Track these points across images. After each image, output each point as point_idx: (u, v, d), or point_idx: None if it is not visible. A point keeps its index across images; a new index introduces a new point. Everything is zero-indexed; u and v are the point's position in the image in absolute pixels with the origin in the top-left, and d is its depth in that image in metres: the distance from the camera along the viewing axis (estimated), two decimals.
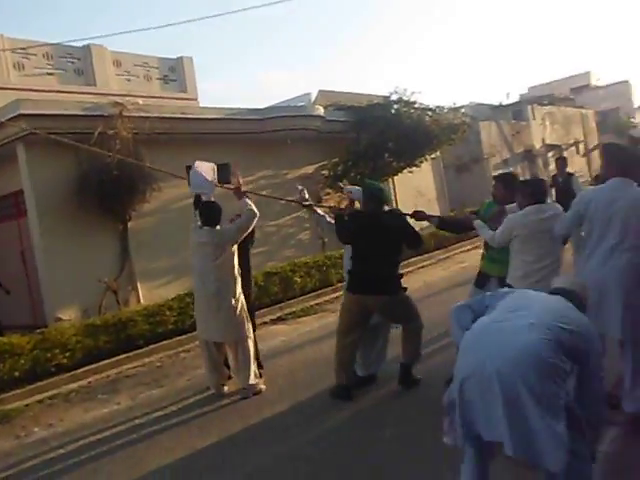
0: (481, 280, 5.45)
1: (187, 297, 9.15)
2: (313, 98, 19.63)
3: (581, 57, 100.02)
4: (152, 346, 8.27)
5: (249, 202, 5.96)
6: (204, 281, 5.74)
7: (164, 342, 8.39)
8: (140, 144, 10.16)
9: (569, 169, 9.98)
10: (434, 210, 18.27)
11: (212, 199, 6.04)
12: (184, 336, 8.63)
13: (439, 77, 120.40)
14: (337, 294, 11.01)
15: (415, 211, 5.72)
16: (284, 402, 5.50)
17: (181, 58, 17.03)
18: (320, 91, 19.00)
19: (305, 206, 6.53)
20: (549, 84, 46.73)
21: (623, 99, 46.91)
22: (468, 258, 13.44)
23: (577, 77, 49.18)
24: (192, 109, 12.53)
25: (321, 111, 14.32)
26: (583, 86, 48.10)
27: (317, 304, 10.31)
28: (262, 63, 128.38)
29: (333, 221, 5.73)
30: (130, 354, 8.01)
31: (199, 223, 5.89)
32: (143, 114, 10.27)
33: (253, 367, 5.88)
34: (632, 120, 45.80)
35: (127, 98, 10.58)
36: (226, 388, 6.01)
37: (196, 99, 17.18)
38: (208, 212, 5.87)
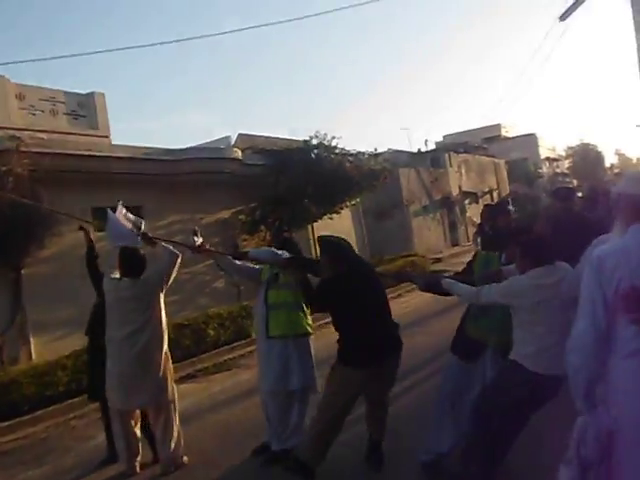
0: (470, 349, 4.31)
1: (84, 354, 8.22)
2: (233, 141, 19.16)
3: (491, 109, 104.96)
4: (39, 412, 7.27)
5: (164, 244, 5.26)
6: (127, 343, 4.86)
7: (53, 407, 7.40)
8: (39, 183, 9.25)
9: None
10: None
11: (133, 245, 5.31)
12: (77, 399, 7.68)
13: (357, 123, 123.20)
14: (252, 347, 10.31)
15: (399, 272, 5.26)
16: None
17: (92, 93, 16.09)
18: (240, 134, 18.55)
19: (197, 251, 5.25)
20: (463, 133, 48.47)
21: (530, 150, 49.20)
22: (410, 299, 13.12)
23: (488, 128, 51.28)
24: (101, 147, 11.70)
25: (239, 154, 13.83)
26: (494, 136, 50.22)
27: (230, 359, 9.56)
28: (180, 104, 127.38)
29: (238, 262, 5.15)
30: (11, 422, 6.98)
31: (116, 275, 5.11)
32: (45, 150, 9.39)
33: (176, 434, 5.10)
34: (539, 170, 48.02)
35: (27, 132, 9.67)
36: (138, 465, 5.14)
37: (108, 137, 16.24)
38: (130, 261, 5.08)
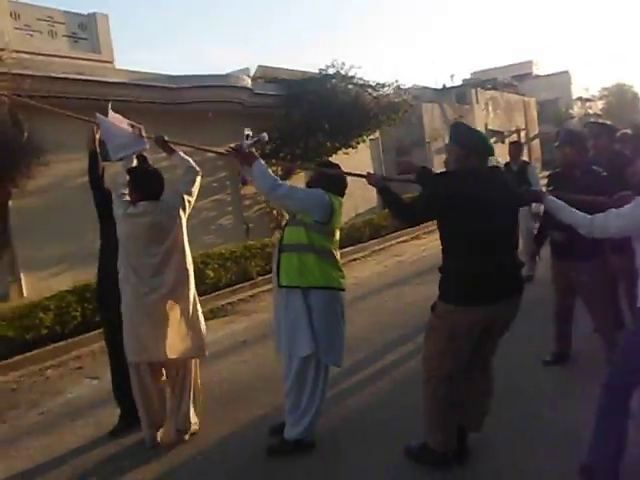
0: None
1: (70, 295, 7.61)
2: (252, 74, 18.06)
3: (524, 46, 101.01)
4: (15, 358, 6.69)
5: (183, 155, 4.48)
6: (148, 283, 4.03)
7: (30, 353, 6.81)
8: (19, 108, 8.43)
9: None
10: (370, 194, 17.12)
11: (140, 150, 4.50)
12: (61, 343, 7.11)
13: (384, 59, 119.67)
14: (256, 290, 9.69)
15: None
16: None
17: (94, 15, 15.09)
18: (259, 66, 17.42)
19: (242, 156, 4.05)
20: (492, 70, 46.34)
21: (562, 90, 47.12)
22: (405, 250, 12.32)
23: (519, 65, 49.18)
24: (104, 72, 10.77)
25: (248, 83, 12.80)
26: (525, 74, 48.12)
27: (229, 303, 8.91)
28: (206, 38, 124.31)
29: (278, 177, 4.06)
30: None
31: (127, 199, 4.15)
32: (26, 72, 8.52)
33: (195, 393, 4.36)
34: (570, 112, 46.02)
35: (7, 52, 8.77)
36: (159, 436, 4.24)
37: (112, 62, 15.30)
38: (143, 179, 4.17)
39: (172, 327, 4.08)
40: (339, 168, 4.23)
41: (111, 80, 10.19)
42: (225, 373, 5.59)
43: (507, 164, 8.55)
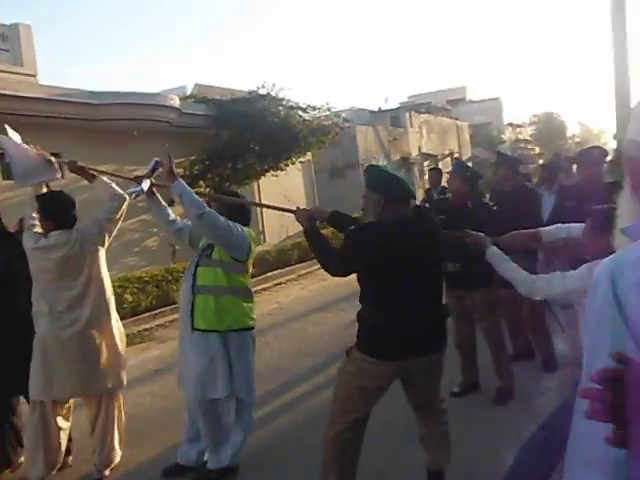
0: None
1: None
2: (189, 92, 17.78)
3: (458, 71, 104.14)
4: None
5: (106, 180, 4.13)
6: (64, 319, 3.76)
7: None
8: None
9: (444, 181, 9.01)
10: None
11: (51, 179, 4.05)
12: None
13: (324, 80, 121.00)
14: (177, 315, 9.37)
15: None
16: None
17: (16, 25, 14.55)
18: (196, 84, 17.19)
19: (151, 185, 3.99)
20: (427, 94, 47.46)
21: (494, 115, 48.68)
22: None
23: (454, 90, 50.51)
24: (11, 83, 10.34)
25: (176, 102, 12.59)
26: (459, 99, 49.45)
27: (147, 329, 8.60)
28: (145, 53, 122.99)
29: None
30: None
31: (37, 230, 3.86)
32: None
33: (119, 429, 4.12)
34: (502, 136, 47.56)
35: None
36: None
37: (35, 75, 14.77)
38: (54, 207, 3.87)
39: (89, 362, 3.84)
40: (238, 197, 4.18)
41: (26, 95, 9.80)
42: (128, 406, 5.32)
43: (428, 190, 8.65)
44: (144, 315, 9.22)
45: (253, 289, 4.06)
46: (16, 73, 14.16)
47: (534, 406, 4.44)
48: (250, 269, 3.91)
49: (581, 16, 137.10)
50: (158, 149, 12.78)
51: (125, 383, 4.13)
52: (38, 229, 3.87)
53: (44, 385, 3.79)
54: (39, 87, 11.22)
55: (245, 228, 3.79)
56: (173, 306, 9.71)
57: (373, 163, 3.67)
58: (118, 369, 4.02)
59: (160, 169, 4.15)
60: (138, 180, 3.98)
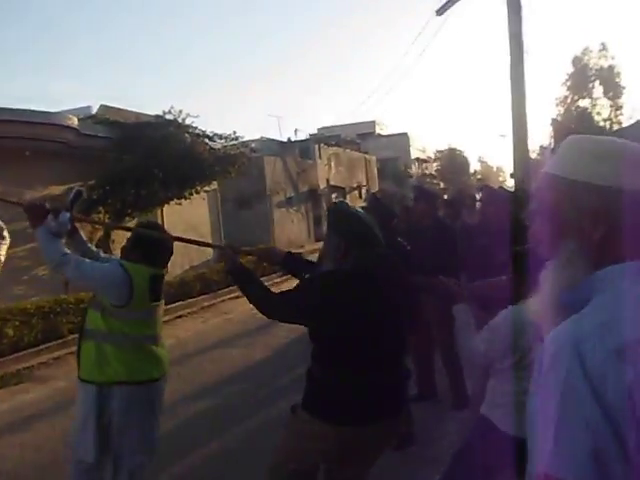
0: None
1: None
2: (94, 112, 16.99)
3: (367, 106, 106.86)
4: None
5: None
6: None
7: None
8: None
9: None
10: (206, 248, 16.64)
11: None
12: None
13: (231, 111, 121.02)
14: (65, 350, 8.73)
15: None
16: None
17: None
18: (102, 105, 16.48)
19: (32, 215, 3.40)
20: (337, 127, 48.25)
21: (402, 149, 50.05)
22: (235, 308, 11.92)
23: (363, 124, 51.53)
24: None
25: (74, 122, 11.96)
26: (368, 133, 50.48)
27: (27, 368, 7.89)
28: (50, 71, 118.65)
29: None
30: None
31: None
32: None
33: None
34: (409, 170, 48.94)
35: None
36: None
37: None
38: None
39: None
40: (160, 231, 3.66)
41: None
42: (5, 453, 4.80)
43: None
44: (27, 351, 8.50)
45: None
46: None
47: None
48: (150, 315, 3.45)
49: (484, 56, 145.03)
50: (53, 171, 12.22)
51: None
52: None
53: None
54: None
55: (141, 269, 3.35)
56: (61, 341, 9.06)
57: (336, 201, 3.47)
58: None
59: (82, 198, 3.79)
60: (54, 213, 3.43)
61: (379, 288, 2.66)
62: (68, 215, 3.47)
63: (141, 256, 3.39)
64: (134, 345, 3.34)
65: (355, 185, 33.23)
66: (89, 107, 18.63)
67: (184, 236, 4.24)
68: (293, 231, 24.29)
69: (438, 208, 6.06)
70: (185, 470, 4.41)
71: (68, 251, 3.32)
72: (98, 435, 3.21)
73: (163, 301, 3.62)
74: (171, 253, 3.54)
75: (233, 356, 7.73)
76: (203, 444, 4.85)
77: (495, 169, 74.94)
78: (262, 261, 3.08)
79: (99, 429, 3.22)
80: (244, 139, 15.32)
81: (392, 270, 2.84)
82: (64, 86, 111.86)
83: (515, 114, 10.76)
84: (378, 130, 53.93)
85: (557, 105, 39.99)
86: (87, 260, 3.40)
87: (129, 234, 3.65)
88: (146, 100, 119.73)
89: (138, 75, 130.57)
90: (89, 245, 3.80)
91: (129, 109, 15.53)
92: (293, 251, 3.46)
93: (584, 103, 38.65)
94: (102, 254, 3.80)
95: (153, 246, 3.44)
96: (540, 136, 40.50)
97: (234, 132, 14.15)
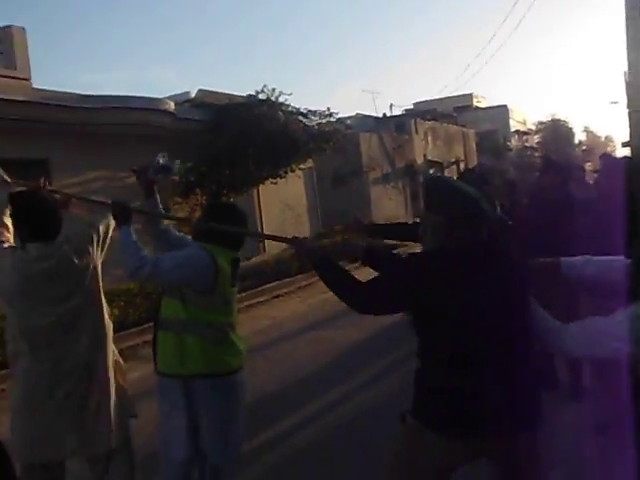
0: None
1: None
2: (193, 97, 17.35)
3: (464, 78, 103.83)
4: None
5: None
6: (48, 357, 2.96)
7: None
8: None
9: None
10: (303, 226, 16.58)
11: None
12: None
13: (327, 89, 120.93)
14: None
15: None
16: None
17: (9, 27, 14.16)
18: (200, 90, 16.79)
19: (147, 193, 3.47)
20: (434, 101, 47.05)
21: (501, 122, 48.20)
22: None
23: (460, 97, 50.07)
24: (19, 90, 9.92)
25: (171, 107, 12.15)
26: (465, 106, 49.00)
27: (132, 346, 8.11)
28: (148, 59, 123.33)
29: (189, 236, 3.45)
30: None
31: (9, 243, 3.15)
32: None
33: None
34: (508, 143, 47.05)
35: None
36: None
37: (28, 79, 14.38)
38: (31, 212, 3.04)
39: (83, 412, 3.02)
40: (235, 212, 3.37)
41: (11, 98, 9.35)
42: None
43: None
44: (131, 330, 8.75)
45: (248, 302, 3.55)
46: (8, 77, 13.83)
47: None
48: (229, 301, 3.24)
49: (590, 19, 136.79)
50: (151, 154, 12.43)
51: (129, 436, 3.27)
52: (9, 241, 3.14)
53: (29, 446, 3.02)
54: (32, 91, 10.81)
55: (221, 252, 3.12)
56: None
57: (432, 175, 2.98)
58: (126, 418, 3.24)
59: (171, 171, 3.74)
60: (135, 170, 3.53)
61: (489, 272, 2.27)
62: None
63: (220, 238, 3.16)
64: (216, 335, 3.12)
65: (453, 160, 32.26)
66: (187, 93, 19.05)
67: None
68: (390, 208, 23.87)
69: (567, 181, 5.43)
70: (276, 461, 4.25)
71: (145, 253, 3.09)
72: (186, 431, 3.04)
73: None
74: (243, 236, 3.40)
75: (330, 338, 7.56)
76: (293, 434, 4.68)
77: (603, 139, 70.51)
78: (338, 258, 2.61)
79: (187, 425, 3.05)
80: (339, 116, 15.06)
81: (502, 251, 2.44)
82: (163, 75, 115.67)
83: (632, 75, 9.87)
84: (475, 103, 52.21)
85: None
86: (163, 257, 3.15)
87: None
88: (243, 83, 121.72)
89: (233, 59, 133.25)
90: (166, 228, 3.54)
91: (225, 92, 15.67)
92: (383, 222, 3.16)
93: None
94: (176, 232, 3.58)
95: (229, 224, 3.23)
96: None
97: (328, 109, 13.92)
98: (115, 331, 8.73)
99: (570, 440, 3.87)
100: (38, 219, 3.04)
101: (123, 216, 3.13)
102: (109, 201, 3.33)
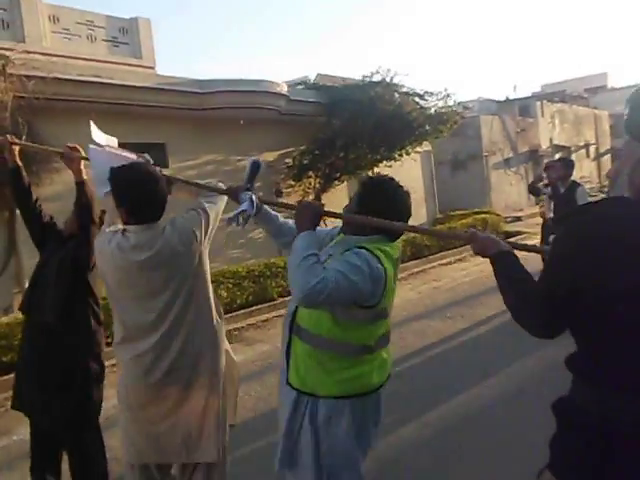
0: None
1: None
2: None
3: (598, 59, 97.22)
4: None
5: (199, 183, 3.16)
6: (151, 351, 2.76)
7: None
8: (32, 112, 7.98)
9: (577, 174, 7.57)
10: (420, 211, 16.07)
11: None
12: None
13: (450, 73, 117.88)
14: (273, 313, 8.87)
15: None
16: None
17: (135, 19, 14.73)
18: (319, 74, 16.76)
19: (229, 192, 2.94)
20: (563, 83, 44.33)
21: None
22: (445, 274, 11.25)
23: (593, 77, 46.99)
24: (109, 72, 10.20)
25: (283, 89, 12.06)
26: (599, 87, 45.86)
27: (236, 329, 8.09)
28: (268, 48, 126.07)
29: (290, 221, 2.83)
30: None
31: (118, 226, 2.83)
32: (31, 72, 8.03)
33: None
34: None
35: (14, 50, 8.30)
36: None
37: (153, 67, 14.92)
38: (134, 190, 2.73)
39: (182, 417, 2.82)
40: (391, 184, 2.62)
41: (130, 84, 9.61)
42: None
43: (548, 185, 7.41)
44: (238, 313, 8.76)
45: None
46: (135, 65, 14.40)
47: None
48: (386, 311, 2.60)
49: None
50: (266, 138, 12.50)
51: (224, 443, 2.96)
52: (118, 224, 2.84)
53: (141, 448, 2.86)
54: (155, 78, 11.11)
55: (383, 251, 2.46)
56: (269, 304, 9.21)
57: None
58: (223, 431, 2.92)
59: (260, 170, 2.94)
60: (235, 195, 2.85)
61: None
62: (250, 195, 2.75)
63: (377, 228, 2.50)
64: (357, 356, 2.54)
65: (582, 144, 30.17)
66: (306, 77, 19.04)
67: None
68: (511, 194, 22.71)
69: None
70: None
71: (322, 264, 2.38)
72: (311, 452, 2.56)
73: None
74: (408, 216, 2.59)
75: (437, 329, 7.12)
76: (391, 431, 4.35)
77: None
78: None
79: (312, 446, 2.56)
80: (456, 96, 14.34)
81: None
82: (283, 62, 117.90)
83: None
84: (611, 83, 48.66)
85: None
86: (338, 274, 2.30)
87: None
88: (360, 68, 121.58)
89: (353, 46, 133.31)
90: (282, 221, 2.96)
91: (346, 77, 15.40)
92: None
93: None
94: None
95: (387, 208, 2.50)
96: None
97: (445, 89, 13.26)
98: (224, 313, 8.87)
99: None
100: (140, 200, 2.72)
101: (313, 218, 2.52)
102: (223, 187, 3.01)
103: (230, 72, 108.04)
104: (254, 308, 9.00)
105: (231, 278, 8.91)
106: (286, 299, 9.41)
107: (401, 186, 2.62)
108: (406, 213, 2.57)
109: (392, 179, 2.63)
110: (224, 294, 8.66)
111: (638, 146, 1.54)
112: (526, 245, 2.53)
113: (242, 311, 8.80)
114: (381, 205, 2.51)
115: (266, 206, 2.95)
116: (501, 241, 2.01)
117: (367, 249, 2.40)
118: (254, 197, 2.78)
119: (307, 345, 2.55)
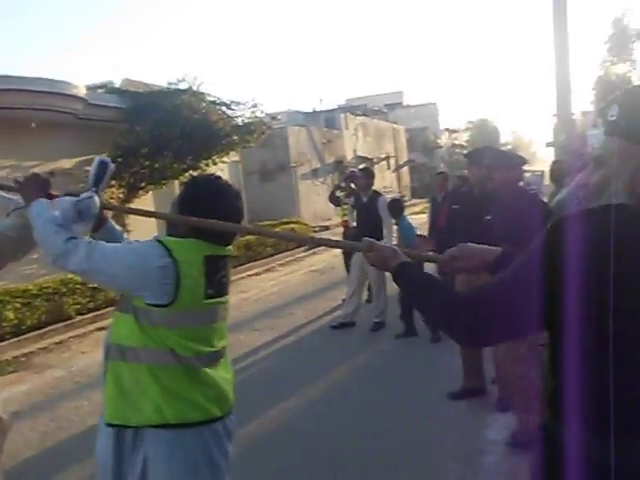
0: None
1: None
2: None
3: (395, 77, 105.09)
4: None
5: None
6: None
7: None
8: None
9: (380, 185, 7.87)
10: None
11: None
12: None
13: (257, 85, 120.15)
14: (71, 333, 8.20)
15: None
16: None
17: None
18: (125, 79, 15.78)
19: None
20: (364, 98, 47.15)
21: (431, 120, 48.84)
22: (254, 285, 11.25)
23: (391, 95, 50.49)
24: None
25: (81, 91, 11.29)
26: (396, 103, 49.38)
27: (26, 354, 7.30)
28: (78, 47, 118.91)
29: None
30: None
31: None
32: None
33: None
34: (438, 141, 47.70)
35: None
36: None
37: None
38: None
39: None
40: (217, 182, 2.31)
41: None
42: None
43: (350, 195, 7.73)
44: (29, 335, 7.93)
45: None
46: None
47: None
48: (199, 319, 2.20)
49: (520, 22, 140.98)
50: (62, 143, 11.60)
51: None
52: None
53: None
54: None
55: (186, 244, 2.14)
56: (66, 322, 8.52)
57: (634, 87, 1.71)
58: None
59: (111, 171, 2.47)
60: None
61: None
62: (91, 197, 2.23)
63: (191, 227, 2.18)
64: (184, 367, 2.14)
65: (383, 156, 32.23)
66: (111, 81, 18.00)
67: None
68: (319, 204, 23.50)
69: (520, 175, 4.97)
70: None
71: (77, 234, 2.16)
72: None
73: (228, 298, 2.34)
74: (239, 222, 2.32)
75: (245, 342, 7.05)
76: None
77: (527, 140, 73.32)
78: (448, 271, 1.92)
79: None
80: (269, 112, 14.51)
81: None
82: (86, 61, 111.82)
83: (559, 78, 9.84)
84: (406, 100, 52.74)
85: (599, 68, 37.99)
86: (105, 244, 2.16)
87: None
88: (168, 74, 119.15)
89: (159, 50, 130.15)
90: (125, 237, 2.55)
91: (156, 84, 14.75)
92: None
93: (623, 69, 36.69)
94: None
95: (211, 209, 2.18)
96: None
97: (252, 99, 13.32)
98: (12, 336, 7.93)
99: None
100: None
101: (38, 189, 2.28)
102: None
103: (38, 70, 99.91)
104: (48, 329, 8.23)
105: (19, 297, 8.08)
106: (86, 317, 8.77)
107: (229, 185, 2.34)
108: (235, 214, 2.26)
109: (219, 177, 2.37)
110: (11, 315, 7.82)
111: (637, 149, 1.35)
112: (421, 255, 2.46)
113: (33, 333, 8.00)
114: (205, 205, 2.20)
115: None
116: (399, 250, 1.80)
117: (159, 240, 2.15)
118: (96, 198, 2.27)
119: (119, 361, 2.14)
